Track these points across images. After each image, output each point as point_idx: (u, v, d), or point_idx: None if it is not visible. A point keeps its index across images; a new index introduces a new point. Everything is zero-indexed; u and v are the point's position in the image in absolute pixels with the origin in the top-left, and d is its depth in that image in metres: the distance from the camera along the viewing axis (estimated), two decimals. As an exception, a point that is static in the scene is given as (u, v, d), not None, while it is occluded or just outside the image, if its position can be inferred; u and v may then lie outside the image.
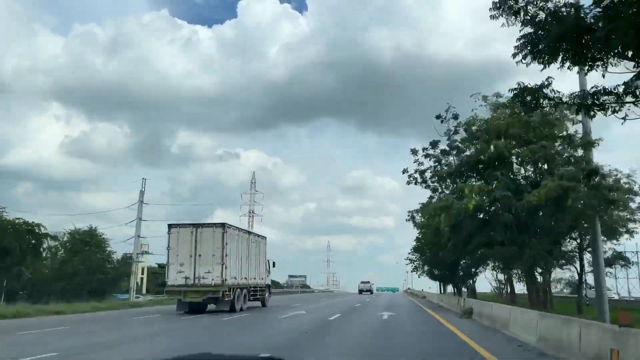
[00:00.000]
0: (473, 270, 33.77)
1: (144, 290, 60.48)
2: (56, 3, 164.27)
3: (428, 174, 26.88)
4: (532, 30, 9.75)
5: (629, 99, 9.80)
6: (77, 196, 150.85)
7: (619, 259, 30.17)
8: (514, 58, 10.08)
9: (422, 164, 26.86)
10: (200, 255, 20.49)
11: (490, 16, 9.92)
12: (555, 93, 11.01)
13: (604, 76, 9.76)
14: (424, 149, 26.57)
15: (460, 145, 24.49)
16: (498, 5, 9.81)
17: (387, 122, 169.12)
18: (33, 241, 32.21)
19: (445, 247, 26.40)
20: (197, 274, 20.39)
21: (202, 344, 11.01)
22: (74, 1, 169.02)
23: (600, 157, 24.68)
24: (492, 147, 21.04)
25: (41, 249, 33.99)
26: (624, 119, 9.98)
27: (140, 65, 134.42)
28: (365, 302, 36.67)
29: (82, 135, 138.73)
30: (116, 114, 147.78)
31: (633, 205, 23.54)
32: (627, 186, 21.57)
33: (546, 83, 11.18)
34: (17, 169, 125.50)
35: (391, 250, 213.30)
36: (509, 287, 33.44)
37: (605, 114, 10.31)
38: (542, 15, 9.60)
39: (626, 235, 25.80)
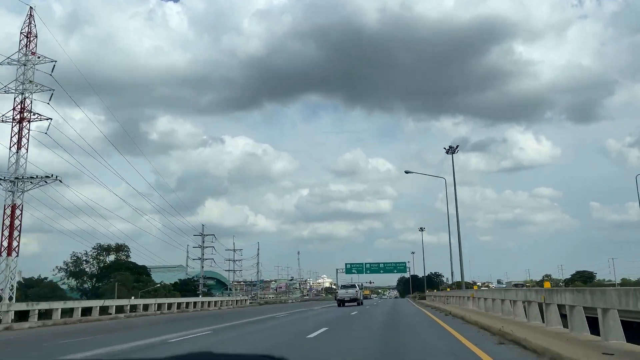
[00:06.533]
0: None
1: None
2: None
3: None
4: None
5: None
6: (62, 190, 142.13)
7: None
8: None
9: None
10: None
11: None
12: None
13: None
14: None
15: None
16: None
17: (375, 94, 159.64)
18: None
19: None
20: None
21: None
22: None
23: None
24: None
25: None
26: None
27: (105, 44, 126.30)
28: None
29: (52, 124, 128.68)
30: (85, 99, 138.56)
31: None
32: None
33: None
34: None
35: (389, 235, 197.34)
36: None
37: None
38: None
39: None
